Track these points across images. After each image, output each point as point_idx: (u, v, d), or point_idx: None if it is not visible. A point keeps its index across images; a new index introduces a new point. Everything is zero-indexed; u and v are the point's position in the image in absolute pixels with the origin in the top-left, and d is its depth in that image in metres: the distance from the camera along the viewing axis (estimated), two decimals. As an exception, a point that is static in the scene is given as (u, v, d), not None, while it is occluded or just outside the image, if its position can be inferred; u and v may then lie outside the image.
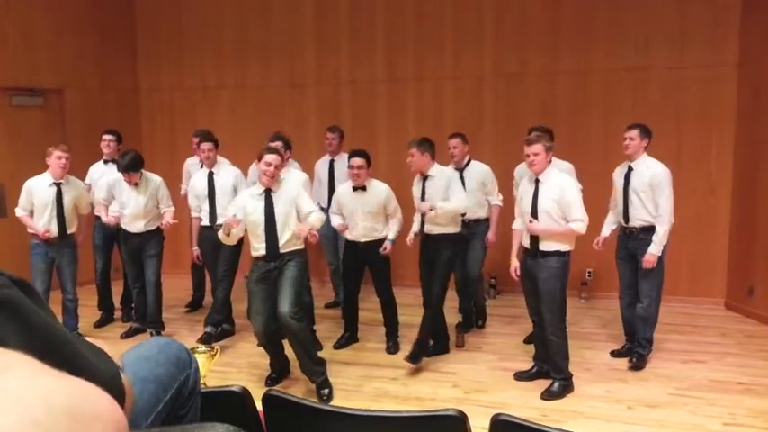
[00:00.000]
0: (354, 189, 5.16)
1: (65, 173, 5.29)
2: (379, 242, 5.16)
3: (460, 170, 5.48)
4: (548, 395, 4.36)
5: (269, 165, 4.38)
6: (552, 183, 4.35)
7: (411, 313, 5.53)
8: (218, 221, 5.36)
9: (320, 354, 4.77)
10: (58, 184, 5.29)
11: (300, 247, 4.52)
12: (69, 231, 5.39)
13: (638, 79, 6.54)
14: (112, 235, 5.73)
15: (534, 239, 4.38)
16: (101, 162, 6.05)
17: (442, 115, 7.11)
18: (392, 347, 5.31)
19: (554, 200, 4.31)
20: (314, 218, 4.47)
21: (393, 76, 7.27)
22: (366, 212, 5.15)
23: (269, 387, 4.62)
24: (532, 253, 4.40)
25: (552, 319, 4.37)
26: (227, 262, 5.46)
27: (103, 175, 5.76)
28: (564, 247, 4.35)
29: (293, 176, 5.13)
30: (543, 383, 4.48)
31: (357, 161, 5.09)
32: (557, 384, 4.40)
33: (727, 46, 6.26)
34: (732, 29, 6.22)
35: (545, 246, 4.34)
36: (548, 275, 4.32)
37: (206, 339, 5.22)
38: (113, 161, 5.89)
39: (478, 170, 5.56)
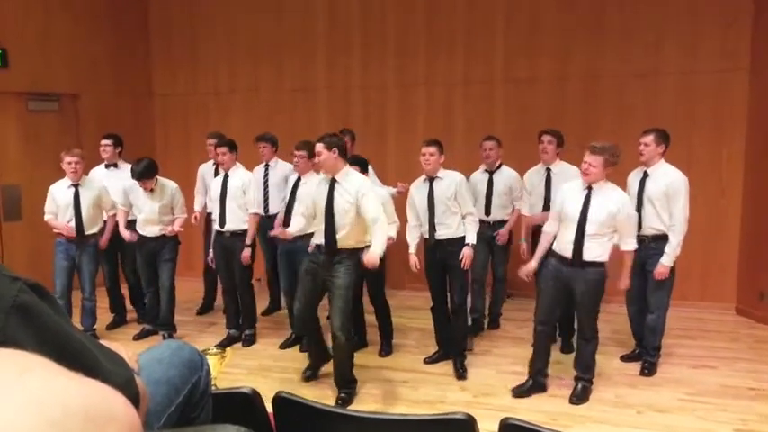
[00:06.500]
0: None
1: (78, 176, 5.45)
2: None
3: (491, 172, 5.63)
4: (576, 399, 4.35)
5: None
6: (608, 195, 4.22)
7: (423, 317, 5.54)
8: (228, 226, 5.44)
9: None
10: (75, 186, 5.47)
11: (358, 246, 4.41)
12: (89, 232, 5.51)
13: (650, 84, 6.51)
14: (118, 238, 5.77)
15: (578, 248, 4.24)
16: (101, 166, 6.11)
17: (452, 120, 7.11)
18: (385, 350, 5.35)
19: (611, 213, 4.18)
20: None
21: (403, 80, 7.29)
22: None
23: (306, 380, 4.75)
24: (577, 263, 4.25)
25: (588, 321, 4.39)
26: (242, 271, 5.53)
27: (106, 178, 5.85)
28: (604, 258, 4.28)
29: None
30: (550, 391, 4.49)
31: None
32: (580, 386, 4.41)
33: (738, 50, 6.23)
34: (744, 33, 6.19)
35: (588, 255, 4.22)
36: (588, 287, 4.27)
37: (249, 341, 5.61)
38: (114, 165, 6.04)
39: (508, 174, 5.68)
